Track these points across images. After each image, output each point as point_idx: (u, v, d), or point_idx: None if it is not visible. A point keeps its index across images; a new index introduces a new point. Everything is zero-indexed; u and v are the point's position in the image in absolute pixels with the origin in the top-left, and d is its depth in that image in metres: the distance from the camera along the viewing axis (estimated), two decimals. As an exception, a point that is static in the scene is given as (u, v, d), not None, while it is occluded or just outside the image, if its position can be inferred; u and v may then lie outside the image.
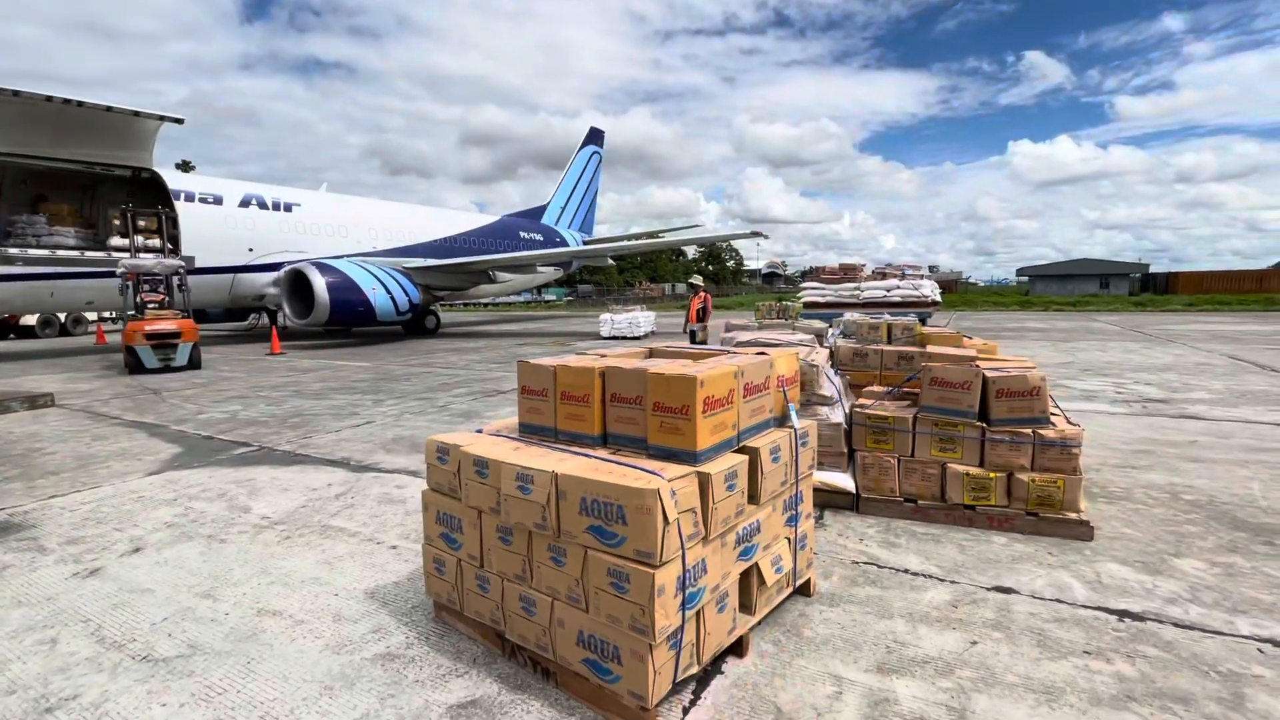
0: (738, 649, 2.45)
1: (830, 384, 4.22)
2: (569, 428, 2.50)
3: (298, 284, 17.51)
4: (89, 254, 15.71)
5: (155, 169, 17.30)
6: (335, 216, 21.62)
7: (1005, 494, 3.69)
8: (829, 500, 4.12)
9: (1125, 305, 35.10)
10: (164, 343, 12.63)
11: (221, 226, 18.15)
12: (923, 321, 14.72)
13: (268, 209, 19.52)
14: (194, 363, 13.01)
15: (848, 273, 13.89)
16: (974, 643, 2.53)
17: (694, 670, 2.19)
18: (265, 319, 25.65)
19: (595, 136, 36.47)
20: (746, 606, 2.53)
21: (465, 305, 54.61)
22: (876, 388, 4.65)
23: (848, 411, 4.24)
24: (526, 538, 2.27)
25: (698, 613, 2.16)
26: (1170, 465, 4.95)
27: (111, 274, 16.10)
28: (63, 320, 26.19)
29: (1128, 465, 4.98)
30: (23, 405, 3.32)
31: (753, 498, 2.46)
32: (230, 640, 2.65)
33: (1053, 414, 3.86)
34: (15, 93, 13.36)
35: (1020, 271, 68.14)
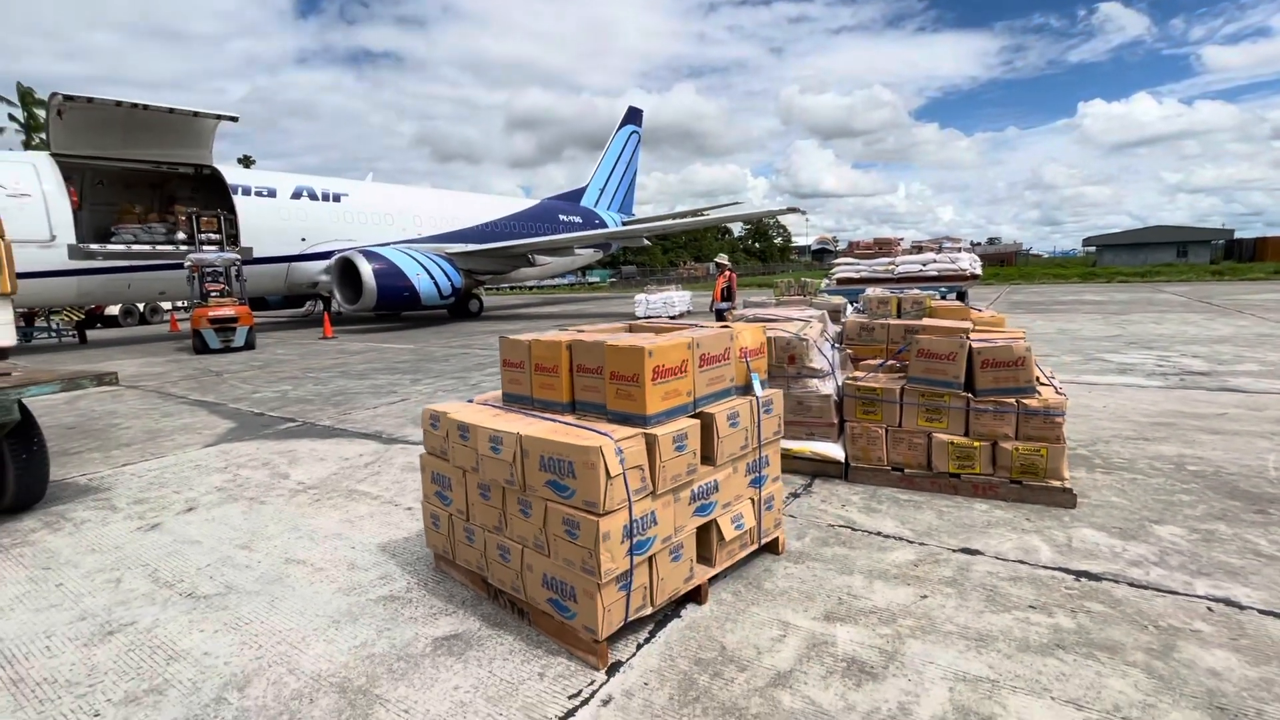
0: (697, 597, 2.67)
1: (822, 357, 4.33)
2: (543, 396, 2.75)
3: (347, 271, 18.39)
4: (159, 248, 16.94)
5: (216, 165, 18.43)
6: (381, 205, 22.48)
7: (990, 462, 3.75)
8: (820, 469, 4.26)
9: (1201, 275, 32.84)
10: (225, 326, 14.09)
11: (275, 218, 19.18)
12: (961, 296, 14.32)
13: (318, 200, 20.48)
14: (250, 344, 14.51)
15: (882, 247, 13.60)
16: (924, 597, 2.67)
17: (647, 611, 2.43)
18: (320, 305, 26.99)
19: (634, 116, 36.36)
20: (706, 559, 2.75)
21: (511, 289, 55.69)
22: (873, 361, 4.72)
23: (840, 384, 4.34)
24: (501, 493, 2.55)
25: (650, 559, 2.39)
26: (1187, 437, 4.84)
27: (181, 265, 17.34)
28: (142, 310, 28.26)
29: (1141, 437, 4.90)
30: (91, 382, 3.83)
31: (708, 459, 2.66)
32: (260, 583, 3.05)
33: (1041, 384, 3.88)
34: (90, 100, 14.47)
35: (1087, 241, 64.34)
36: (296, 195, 20.07)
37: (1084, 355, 9.01)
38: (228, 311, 14.25)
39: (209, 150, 18.07)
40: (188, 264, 14.82)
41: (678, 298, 18.97)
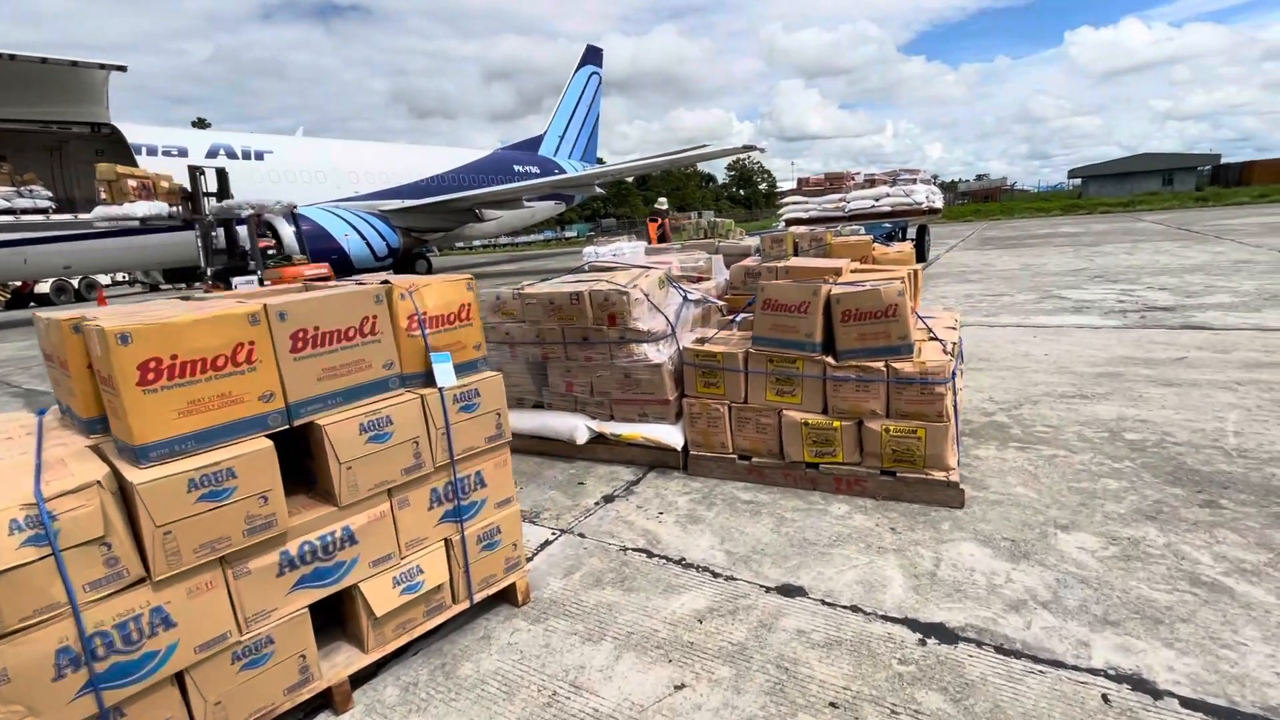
0: (332, 703, 1.73)
1: (656, 315, 3.32)
2: (72, 406, 1.74)
3: (268, 236, 16.98)
4: (54, 217, 15.45)
5: (115, 124, 16.74)
6: (311, 161, 20.82)
7: (856, 448, 2.80)
8: (660, 459, 3.31)
9: (1185, 202, 31.74)
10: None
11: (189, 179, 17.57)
12: (921, 234, 13.23)
13: (237, 158, 18.83)
14: None
15: (834, 183, 12.38)
16: (679, 687, 1.75)
17: (187, 760, 1.48)
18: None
19: (593, 55, 34.08)
20: (357, 639, 1.80)
21: (485, 247, 53.74)
22: (732, 316, 3.72)
23: (680, 349, 3.35)
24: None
25: (174, 681, 1.43)
26: (1133, 392, 3.91)
27: (85, 236, 15.93)
28: (77, 286, 26.73)
29: (1079, 394, 3.97)
30: None
31: (328, 495, 1.68)
32: None
33: (928, 340, 2.89)
34: (-60, 51, 12.78)
35: (1072, 173, 62.67)
36: (212, 154, 18.41)
37: (1041, 293, 8.05)
38: (321, 270, 11.44)
39: (104, 106, 16.36)
40: (249, 214, 11.63)
41: (628, 248, 17.72)
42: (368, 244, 17.70)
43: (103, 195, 12.84)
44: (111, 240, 16.84)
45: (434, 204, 20.14)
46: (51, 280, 25.26)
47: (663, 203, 10.46)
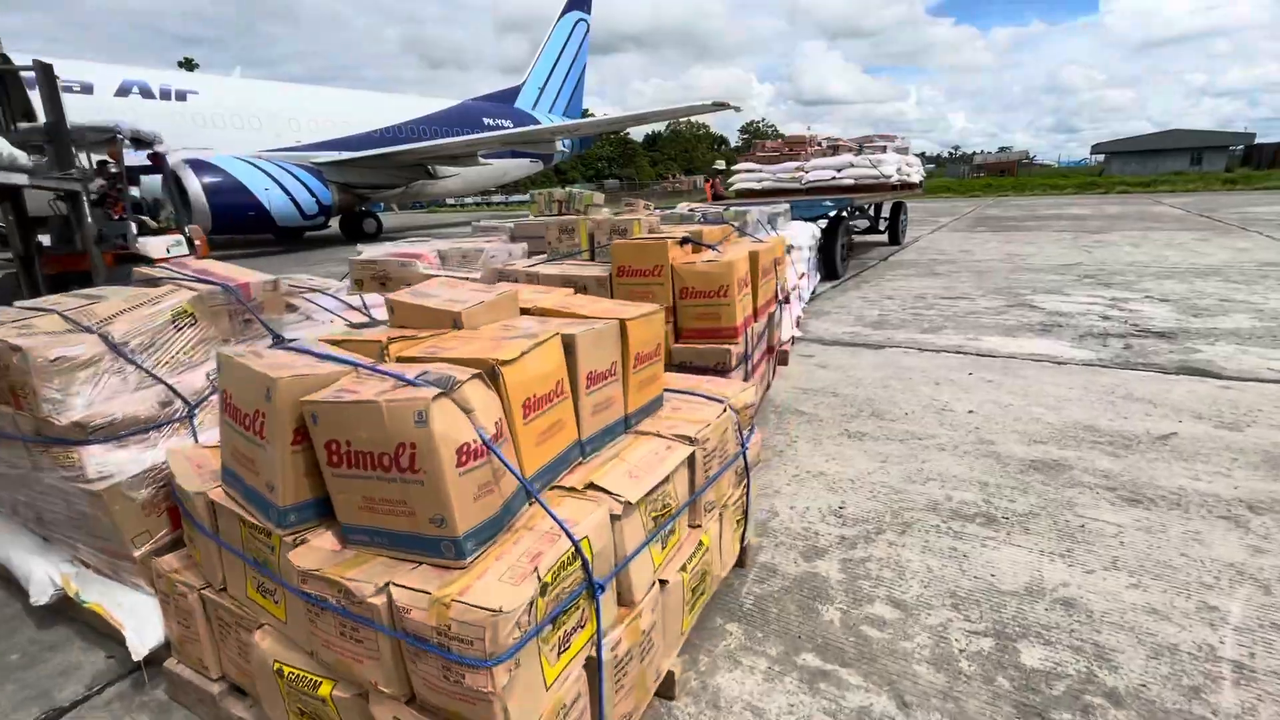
0: None
1: (151, 386, 1.74)
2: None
3: (180, 188, 15.30)
4: (-71, 158, 13.80)
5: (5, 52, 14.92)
6: (245, 105, 18.88)
7: (381, 736, 1.25)
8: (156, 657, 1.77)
9: (1212, 184, 29.32)
10: None
11: (95, 120, 15.81)
12: (895, 213, 11.37)
13: (154, 98, 16.95)
14: None
15: (792, 148, 10.54)
16: None
17: None
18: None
19: (579, 0, 31.46)
20: None
21: (477, 205, 51.36)
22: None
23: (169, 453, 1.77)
24: None
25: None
26: (1073, 516, 2.34)
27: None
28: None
29: (984, 514, 2.40)
30: None
31: None
32: None
33: (540, 517, 1.30)
34: None
35: (1095, 149, 59.32)
36: (124, 91, 16.56)
37: (1011, 297, 6.37)
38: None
39: (-9, 33, 14.51)
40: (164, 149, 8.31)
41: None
42: (293, 200, 16.00)
43: None
44: None
45: (374, 157, 18.29)
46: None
47: (720, 164, 8.65)
